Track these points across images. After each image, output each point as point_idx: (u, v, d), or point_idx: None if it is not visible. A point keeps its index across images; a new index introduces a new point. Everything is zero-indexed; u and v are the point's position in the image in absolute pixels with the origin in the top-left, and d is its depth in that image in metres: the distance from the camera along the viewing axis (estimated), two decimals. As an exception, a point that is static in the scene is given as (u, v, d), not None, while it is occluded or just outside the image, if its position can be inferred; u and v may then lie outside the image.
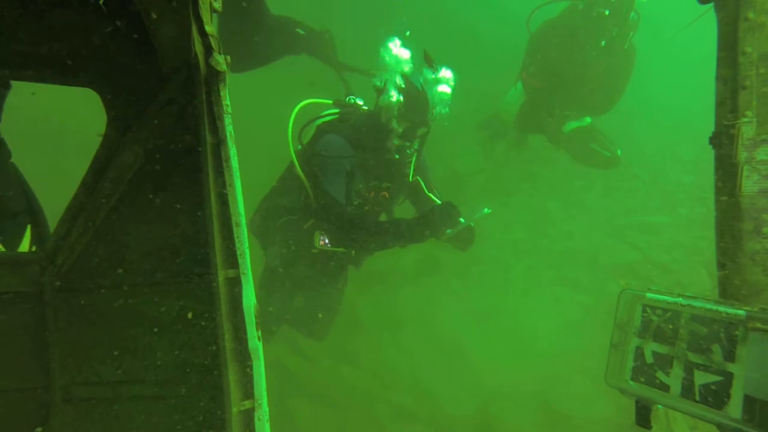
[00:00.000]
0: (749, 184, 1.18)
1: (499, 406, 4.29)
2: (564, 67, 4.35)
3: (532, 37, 4.58)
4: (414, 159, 3.05)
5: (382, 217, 3.26)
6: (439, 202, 3.09)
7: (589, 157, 4.72)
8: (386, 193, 3.06)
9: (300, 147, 3.07)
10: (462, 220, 2.72)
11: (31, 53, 1.35)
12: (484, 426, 4.19)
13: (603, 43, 4.10)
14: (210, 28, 1.31)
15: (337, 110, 3.13)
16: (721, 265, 1.24)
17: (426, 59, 2.72)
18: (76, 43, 1.36)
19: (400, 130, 2.80)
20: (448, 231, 2.72)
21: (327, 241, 2.98)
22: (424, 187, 3.19)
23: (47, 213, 2.22)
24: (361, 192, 3.01)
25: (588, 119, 4.83)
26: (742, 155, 1.18)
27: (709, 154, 1.34)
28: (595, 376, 4.28)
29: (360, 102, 3.20)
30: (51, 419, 1.50)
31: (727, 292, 1.23)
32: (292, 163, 3.04)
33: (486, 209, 2.72)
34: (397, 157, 2.87)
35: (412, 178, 3.14)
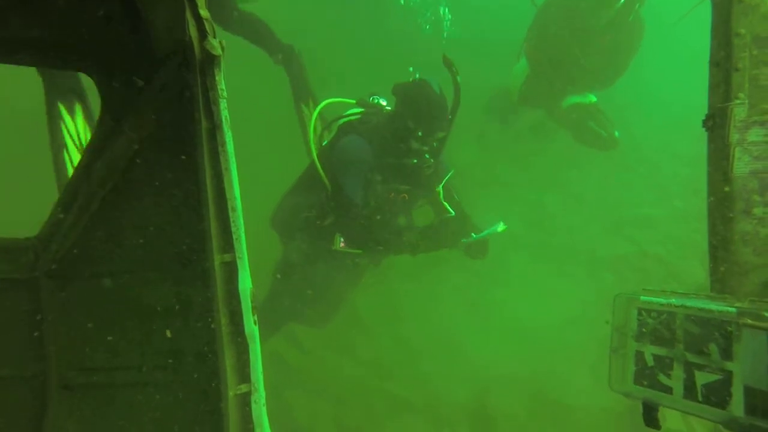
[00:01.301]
0: (741, 165, 1.19)
1: (497, 397, 4.31)
2: (564, 40, 4.20)
3: (538, 11, 4.49)
4: (438, 167, 3.03)
5: (400, 220, 3.25)
6: (453, 212, 3.07)
7: (586, 135, 4.57)
8: (405, 196, 3.06)
9: (321, 146, 3.07)
10: (474, 235, 2.73)
11: (24, 37, 1.35)
12: (481, 416, 4.21)
13: (608, 16, 3.91)
14: (204, 12, 1.30)
15: (359, 110, 3.13)
16: (713, 246, 1.25)
17: (445, 62, 2.67)
18: (70, 27, 1.36)
19: (419, 133, 2.79)
20: (463, 240, 2.72)
21: (345, 243, 3.00)
22: (441, 195, 3.17)
23: (43, 203, 2.21)
24: (380, 194, 3.00)
25: (593, 97, 4.66)
26: (734, 137, 1.19)
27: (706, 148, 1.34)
28: (594, 368, 4.29)
29: (383, 102, 3.18)
30: (48, 406, 1.50)
31: (717, 273, 1.24)
32: (313, 162, 3.05)
33: (501, 226, 2.71)
34: (414, 161, 2.84)
35: (440, 188, 3.12)
